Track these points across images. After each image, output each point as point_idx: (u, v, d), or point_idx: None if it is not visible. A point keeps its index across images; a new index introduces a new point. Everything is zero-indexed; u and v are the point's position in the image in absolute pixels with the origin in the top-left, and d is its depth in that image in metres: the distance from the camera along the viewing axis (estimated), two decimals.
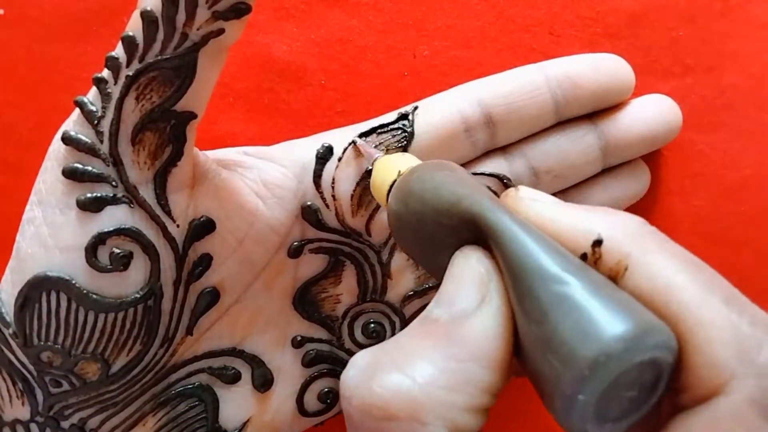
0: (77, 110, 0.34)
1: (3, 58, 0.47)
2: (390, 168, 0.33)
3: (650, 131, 0.42)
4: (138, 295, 0.35)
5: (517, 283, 0.24)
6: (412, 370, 0.23)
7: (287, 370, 0.41)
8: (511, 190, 0.29)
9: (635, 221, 0.26)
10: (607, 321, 0.22)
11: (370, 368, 0.24)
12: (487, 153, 0.41)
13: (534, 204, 0.27)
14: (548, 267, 0.24)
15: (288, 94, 0.46)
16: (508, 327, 0.24)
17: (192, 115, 0.34)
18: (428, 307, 0.26)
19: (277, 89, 0.46)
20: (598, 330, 0.21)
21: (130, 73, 0.33)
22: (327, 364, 0.41)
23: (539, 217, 0.27)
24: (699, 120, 0.44)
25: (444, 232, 0.28)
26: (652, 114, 0.42)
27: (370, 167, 0.36)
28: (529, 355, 0.24)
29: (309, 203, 0.39)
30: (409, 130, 0.39)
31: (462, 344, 0.24)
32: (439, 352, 0.24)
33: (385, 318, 0.41)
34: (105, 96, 0.33)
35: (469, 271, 0.26)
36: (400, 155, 0.35)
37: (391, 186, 0.32)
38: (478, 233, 0.26)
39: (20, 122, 0.47)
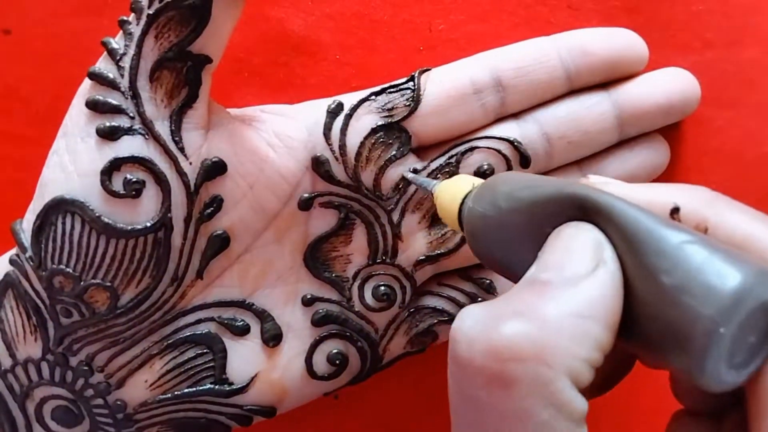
0: (105, 51, 0.38)
1: (20, 33, 0.51)
2: (457, 186, 0.35)
3: (667, 101, 0.43)
4: (149, 224, 0.38)
5: (637, 246, 0.26)
6: (537, 319, 0.24)
7: (296, 327, 0.43)
8: (582, 179, 0.31)
9: (702, 188, 0.29)
10: (738, 262, 0.24)
11: (491, 317, 0.25)
12: (499, 119, 0.43)
13: (608, 187, 0.29)
14: (668, 227, 0.26)
15: (303, 68, 0.48)
16: (621, 292, 0.26)
17: (207, 59, 0.38)
18: (531, 273, 0.27)
19: (292, 64, 0.49)
20: (734, 268, 0.24)
21: (151, 12, 0.36)
22: (336, 324, 0.43)
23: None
24: (718, 96, 0.46)
25: (539, 222, 0.29)
26: (668, 85, 0.43)
27: (431, 193, 0.38)
28: (651, 312, 0.25)
29: (319, 154, 0.41)
30: (415, 89, 0.41)
31: (581, 303, 0.25)
32: (560, 306, 0.25)
33: (396, 282, 0.43)
34: (128, 35, 0.37)
35: (580, 240, 0.27)
36: (457, 177, 0.37)
37: (464, 199, 0.34)
38: (577, 216, 0.28)
39: (37, 96, 0.50)
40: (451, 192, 0.35)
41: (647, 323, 0.25)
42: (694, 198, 0.28)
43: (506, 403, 0.24)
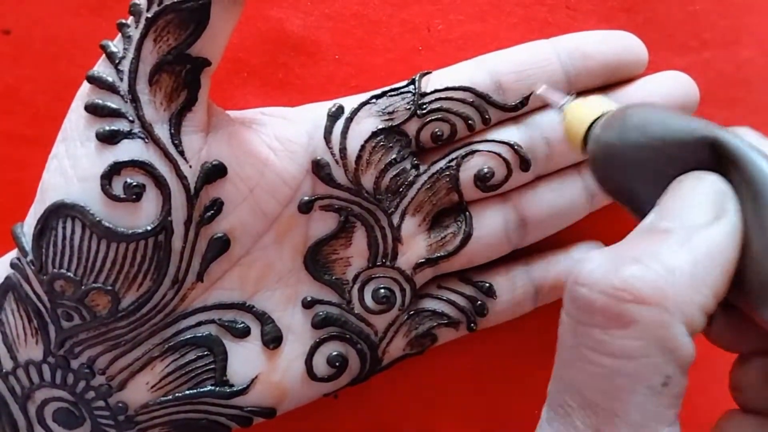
0: (103, 54, 0.38)
1: (19, 33, 0.50)
2: (588, 108, 0.34)
3: (666, 105, 0.42)
4: (149, 228, 0.38)
5: (764, 197, 0.26)
6: (657, 265, 0.25)
7: (297, 330, 0.43)
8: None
9: None
10: None
11: (613, 262, 0.26)
12: (500, 123, 0.43)
13: (745, 136, 0.29)
14: None
15: (302, 68, 0.48)
16: (739, 244, 0.26)
17: (206, 62, 0.38)
18: (649, 220, 0.28)
19: (291, 64, 0.48)
20: None
21: (149, 15, 0.36)
22: (336, 327, 0.43)
23: None
24: (716, 95, 0.46)
25: (665, 162, 0.29)
26: (668, 88, 0.43)
27: (561, 110, 0.37)
28: (761, 265, 0.26)
29: (319, 158, 0.41)
30: (415, 92, 0.41)
31: (700, 251, 0.26)
32: (681, 254, 0.25)
33: (396, 284, 0.43)
34: (126, 39, 0.37)
35: (703, 190, 0.27)
36: (589, 98, 0.36)
37: (592, 125, 0.33)
38: (707, 161, 0.28)
39: (36, 96, 0.50)
40: (580, 114, 0.34)
41: (763, 275, 0.26)
42: None
43: (621, 342, 0.25)
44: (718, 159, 0.28)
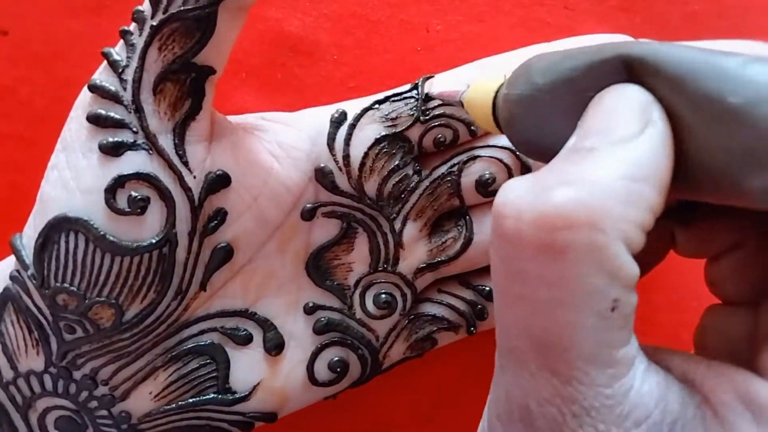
0: (104, 62, 0.37)
1: (18, 34, 0.49)
2: (487, 82, 0.34)
3: None
4: (153, 241, 0.37)
5: (693, 83, 0.25)
6: (587, 185, 0.24)
7: (298, 336, 0.42)
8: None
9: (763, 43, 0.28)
10: None
11: (538, 186, 0.25)
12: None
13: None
14: (723, 54, 0.25)
15: (300, 69, 0.47)
16: (671, 152, 0.25)
17: (211, 70, 0.37)
18: (572, 143, 0.26)
19: (289, 64, 0.48)
20: None
21: (154, 23, 0.36)
22: (338, 332, 0.43)
23: None
24: None
25: (580, 95, 0.28)
26: None
27: (460, 99, 0.36)
28: (717, 145, 0.24)
29: (322, 165, 0.41)
30: (418, 98, 0.41)
31: (631, 165, 0.24)
32: (609, 170, 0.24)
33: (397, 289, 0.43)
34: (130, 47, 0.36)
35: (625, 101, 0.26)
36: (485, 75, 0.35)
37: (497, 93, 0.33)
38: (623, 79, 0.27)
39: (35, 97, 0.49)
40: (482, 91, 0.33)
41: (713, 160, 0.24)
42: (743, 48, 0.26)
43: (558, 272, 0.24)
44: (634, 73, 0.26)
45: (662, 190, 0.25)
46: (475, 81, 0.35)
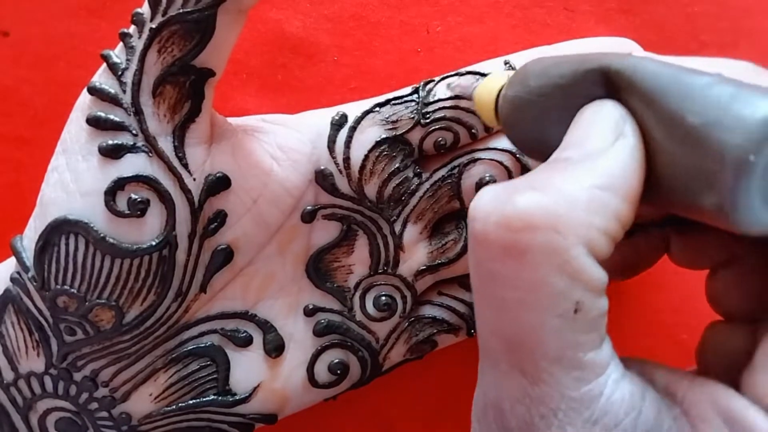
0: (104, 64, 0.37)
1: (18, 35, 0.49)
2: (494, 80, 0.34)
3: None
4: (153, 243, 0.37)
5: (661, 99, 0.25)
6: (552, 191, 0.25)
7: (299, 338, 0.42)
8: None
9: (745, 62, 0.29)
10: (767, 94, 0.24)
11: (507, 192, 0.26)
12: (501, 131, 0.41)
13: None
14: (693, 72, 0.25)
15: (301, 70, 0.47)
16: (642, 163, 0.26)
17: (210, 73, 0.37)
18: (554, 155, 0.27)
19: (290, 65, 0.48)
20: (763, 99, 0.23)
21: (154, 26, 0.35)
22: (338, 334, 0.43)
23: None
24: None
25: (568, 101, 0.29)
26: None
27: (471, 92, 0.37)
28: (679, 161, 0.25)
29: (323, 167, 0.40)
30: (419, 100, 0.41)
31: (599, 175, 0.25)
32: (577, 180, 0.25)
33: (397, 292, 0.43)
34: (129, 49, 0.36)
35: (602, 116, 0.27)
36: (496, 71, 0.37)
37: (499, 92, 0.33)
38: (604, 91, 0.28)
39: (35, 98, 0.49)
40: (489, 87, 0.34)
41: (676, 176, 0.25)
42: (736, 70, 0.27)
43: (520, 273, 0.24)
44: (613, 85, 0.27)
45: (631, 201, 0.25)
46: (482, 84, 0.35)
